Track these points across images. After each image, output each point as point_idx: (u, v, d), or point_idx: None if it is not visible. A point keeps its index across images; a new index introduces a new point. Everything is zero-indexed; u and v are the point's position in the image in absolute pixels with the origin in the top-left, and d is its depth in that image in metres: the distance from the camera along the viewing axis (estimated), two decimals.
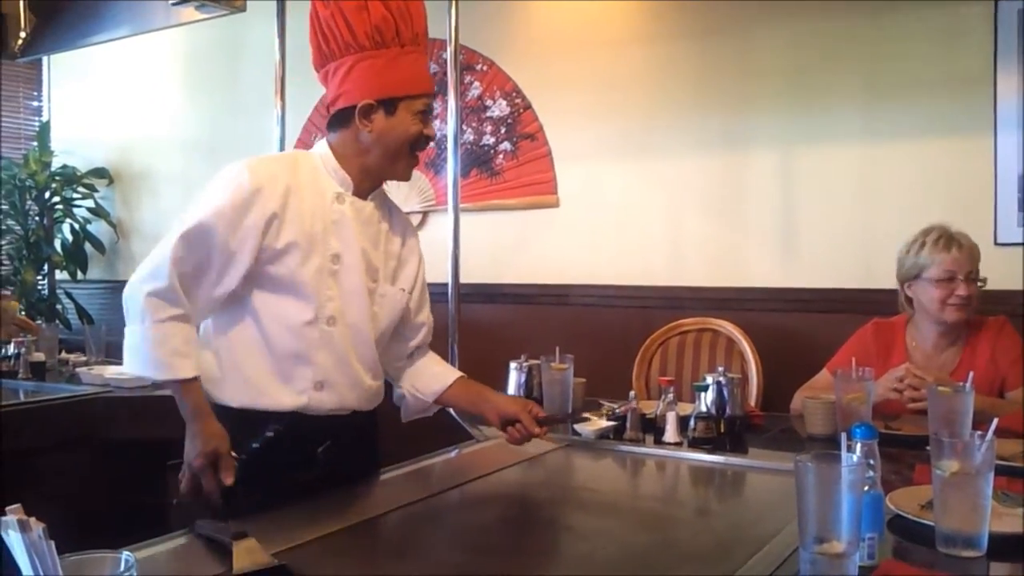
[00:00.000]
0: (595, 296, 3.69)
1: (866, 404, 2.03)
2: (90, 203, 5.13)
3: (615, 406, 2.31)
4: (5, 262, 5.16)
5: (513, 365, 2.58)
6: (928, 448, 1.38)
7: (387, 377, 1.94)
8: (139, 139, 5.09)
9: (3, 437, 2.53)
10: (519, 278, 3.89)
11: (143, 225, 5.13)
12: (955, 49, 3.00)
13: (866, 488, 1.22)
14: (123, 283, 1.72)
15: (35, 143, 5.28)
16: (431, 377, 1.98)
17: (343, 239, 1.75)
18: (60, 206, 5.16)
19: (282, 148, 3.86)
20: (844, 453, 1.21)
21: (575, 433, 2.21)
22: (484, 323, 3.79)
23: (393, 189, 4.25)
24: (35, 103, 5.55)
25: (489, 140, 3.96)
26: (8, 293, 4.80)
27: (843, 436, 1.27)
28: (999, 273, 2.74)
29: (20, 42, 4.79)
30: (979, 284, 2.38)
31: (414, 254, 1.93)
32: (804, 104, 3.27)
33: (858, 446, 1.32)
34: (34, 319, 4.30)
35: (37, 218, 5.15)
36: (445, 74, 3.70)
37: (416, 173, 4.13)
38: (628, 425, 2.17)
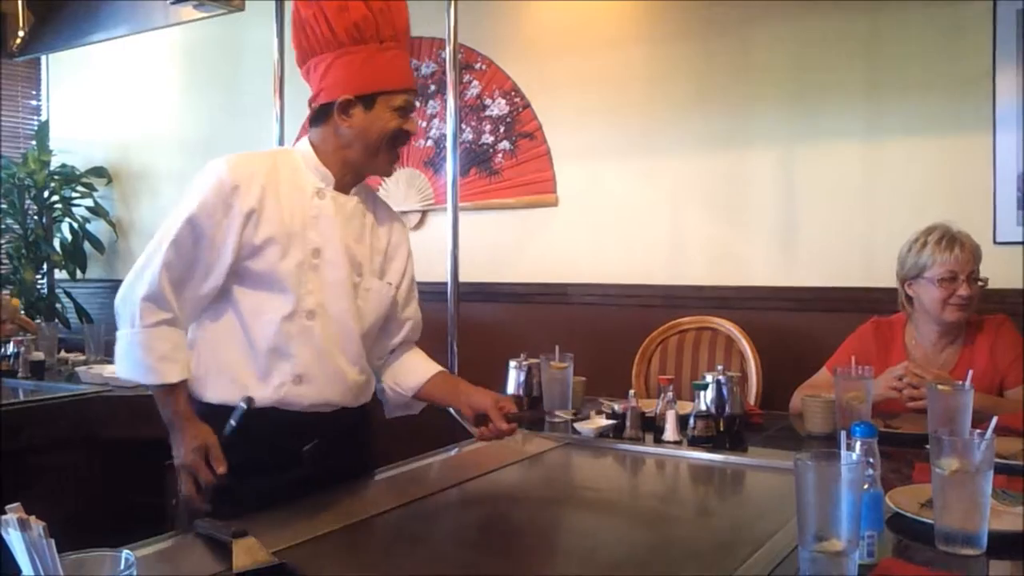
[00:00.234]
0: (594, 295, 3.70)
1: (865, 402, 2.03)
2: (89, 202, 5.13)
3: (615, 404, 2.31)
4: (4, 261, 5.16)
5: (512, 364, 2.58)
6: (927, 446, 1.38)
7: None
8: (138, 138, 5.09)
9: (3, 436, 2.53)
10: (518, 277, 3.89)
11: (142, 224, 5.12)
12: (954, 48, 3.00)
13: (866, 486, 1.22)
14: (122, 282, 1.74)
15: (34, 142, 5.27)
16: (410, 372, 1.96)
17: (323, 234, 1.76)
18: (59, 205, 5.15)
19: (280, 146, 3.87)
20: (843, 451, 1.21)
21: (575, 432, 2.21)
22: (483, 322, 3.79)
23: (392, 188, 4.28)
24: (34, 102, 5.55)
25: (488, 139, 3.96)
26: (7, 292, 4.80)
27: (842, 434, 1.27)
28: (998, 272, 2.74)
29: (18, 41, 4.79)
30: (980, 284, 2.38)
31: (402, 249, 1.93)
32: (804, 103, 3.27)
33: (858, 444, 1.32)
34: (33, 318, 4.30)
35: (36, 217, 5.14)
36: (444, 73, 3.70)
37: (415, 172, 4.15)
38: (628, 424, 2.17)
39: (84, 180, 5.15)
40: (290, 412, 1.74)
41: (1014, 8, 2.90)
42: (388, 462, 1.91)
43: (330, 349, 1.76)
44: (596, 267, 3.70)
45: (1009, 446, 1.77)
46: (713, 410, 2.15)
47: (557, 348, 2.41)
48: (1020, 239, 2.90)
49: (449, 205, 3.22)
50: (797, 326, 3.24)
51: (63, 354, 3.71)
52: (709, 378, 2.19)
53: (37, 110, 5.55)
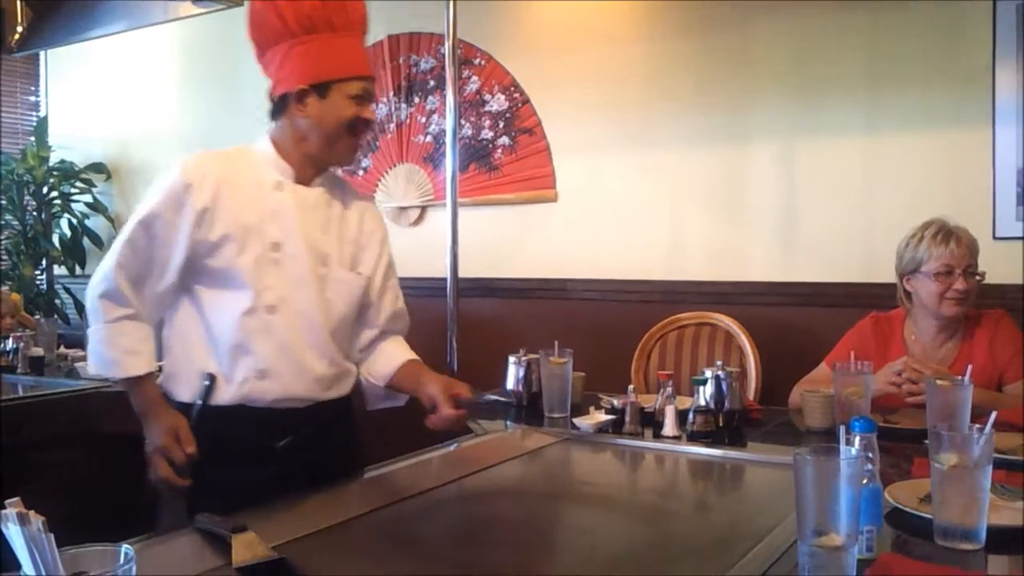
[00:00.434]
0: (594, 290, 3.69)
1: (865, 398, 2.03)
2: (88, 198, 5.13)
3: (614, 400, 2.31)
4: (4, 257, 5.16)
5: (512, 359, 2.58)
6: (926, 441, 1.38)
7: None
8: (137, 134, 5.08)
9: (2, 431, 2.53)
10: (518, 272, 3.89)
11: None
12: (954, 43, 3.00)
13: (865, 481, 1.22)
14: None
15: (33, 138, 5.27)
16: (383, 361, 1.93)
17: (283, 227, 1.76)
18: (58, 201, 5.15)
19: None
20: (843, 446, 1.21)
21: (574, 427, 2.21)
22: (483, 317, 3.79)
23: (392, 183, 4.28)
24: (32, 98, 5.54)
25: (487, 135, 3.96)
26: (7, 287, 4.81)
27: (841, 429, 1.27)
28: (997, 267, 2.74)
29: (17, 36, 4.77)
30: (977, 278, 2.38)
31: (375, 239, 1.90)
32: (803, 98, 3.26)
33: (857, 439, 1.32)
34: (32, 314, 4.30)
35: (35, 213, 5.14)
36: (443, 69, 3.70)
37: (414, 167, 4.15)
38: (627, 419, 2.17)
39: (83, 176, 5.15)
40: (257, 408, 1.74)
41: (1014, 3, 2.89)
42: (382, 457, 1.90)
43: (294, 343, 1.75)
44: (595, 262, 3.70)
45: (1008, 441, 1.78)
46: (712, 405, 2.15)
47: (556, 344, 2.41)
48: (1019, 234, 2.90)
49: (448, 201, 3.22)
50: (796, 321, 3.24)
51: (62, 350, 3.71)
52: (708, 373, 2.19)
53: (36, 106, 5.55)
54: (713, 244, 3.46)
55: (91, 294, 1.76)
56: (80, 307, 5.06)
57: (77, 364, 3.38)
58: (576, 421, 2.23)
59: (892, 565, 1.20)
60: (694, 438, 2.08)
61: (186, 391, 1.76)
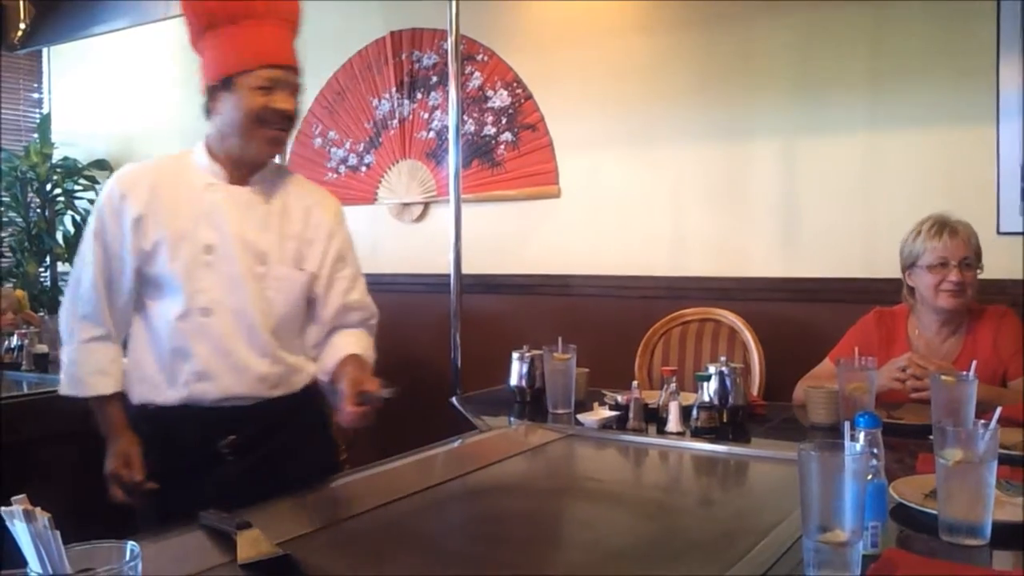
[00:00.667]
0: (597, 286, 3.69)
1: (869, 393, 2.03)
2: (91, 195, 5.13)
3: (618, 396, 2.31)
4: (7, 254, 5.17)
5: (515, 355, 2.58)
6: (931, 437, 1.38)
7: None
8: (140, 131, 5.08)
9: (7, 428, 2.53)
10: (521, 269, 3.88)
11: None
12: (958, 39, 2.99)
13: (869, 477, 1.22)
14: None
15: (36, 135, 5.28)
16: (327, 356, 1.88)
17: (216, 228, 1.76)
18: (62, 198, 5.16)
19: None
20: (847, 442, 1.21)
21: (578, 423, 2.21)
22: (486, 314, 3.80)
23: (394, 180, 4.28)
24: (36, 95, 5.55)
25: (490, 131, 3.95)
26: (11, 285, 4.82)
27: (846, 425, 1.27)
28: (1001, 262, 2.74)
29: (20, 33, 4.78)
30: (976, 271, 2.37)
31: (322, 233, 1.87)
32: (806, 94, 3.26)
33: (861, 435, 1.32)
34: (36, 311, 4.31)
35: (39, 210, 5.15)
36: (446, 64, 3.70)
37: (417, 164, 4.15)
38: (631, 415, 2.17)
39: (86, 173, 5.15)
40: (202, 408, 1.76)
41: None
42: (392, 453, 1.90)
43: (231, 344, 1.75)
44: (599, 258, 3.70)
45: (1013, 437, 1.77)
46: (716, 401, 2.15)
47: (560, 339, 2.41)
48: (1023, 230, 2.89)
49: (451, 197, 3.22)
50: (800, 317, 3.24)
51: None
52: (712, 369, 2.19)
53: (39, 103, 5.55)
54: (716, 240, 3.46)
55: (69, 315, 1.82)
56: None
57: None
58: (580, 417, 2.23)
59: (897, 561, 1.20)
60: (698, 434, 2.08)
61: (134, 395, 1.80)
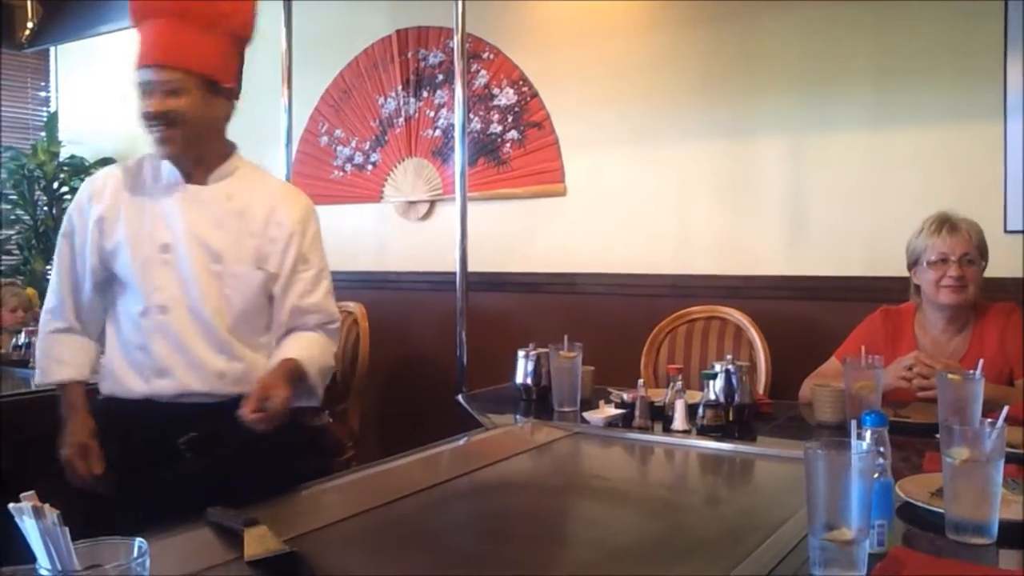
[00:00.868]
0: (603, 284, 3.69)
1: (875, 392, 2.03)
2: None
3: (624, 394, 2.31)
4: (15, 252, 5.19)
5: (521, 353, 2.58)
6: (938, 436, 1.38)
7: None
8: None
9: (15, 425, 2.54)
10: (527, 267, 3.89)
11: None
12: (964, 37, 2.98)
13: (876, 475, 1.22)
14: None
15: (43, 133, 5.30)
16: (274, 356, 1.87)
17: (172, 228, 1.80)
18: (68, 196, 5.17)
19: (288, 137, 3.88)
20: (854, 440, 1.21)
21: (584, 421, 2.21)
22: (492, 311, 3.80)
23: (400, 178, 4.28)
24: (43, 93, 5.56)
25: (496, 129, 3.95)
26: (19, 282, 4.83)
27: (852, 423, 1.27)
28: (1008, 261, 2.74)
29: (27, 32, 4.79)
30: (978, 268, 2.37)
31: (283, 232, 1.86)
32: (812, 91, 3.25)
33: (868, 433, 1.32)
34: None
35: (46, 208, 5.16)
36: (452, 63, 3.70)
37: (423, 162, 4.16)
38: (636, 413, 2.17)
39: (93, 171, 5.16)
40: (163, 404, 1.79)
41: None
42: (399, 450, 1.90)
43: (188, 340, 1.78)
44: (605, 256, 3.70)
45: (1020, 436, 1.77)
46: (722, 399, 2.15)
47: (566, 338, 2.41)
48: None
49: (457, 195, 3.22)
50: (806, 315, 3.23)
51: None
52: (718, 367, 2.19)
53: (46, 101, 5.57)
54: (722, 238, 3.45)
55: (42, 309, 1.95)
56: None
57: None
58: (586, 415, 2.23)
59: (903, 559, 1.20)
60: (704, 432, 2.08)
61: (105, 388, 1.87)
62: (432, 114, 4.14)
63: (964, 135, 3.00)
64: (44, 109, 5.53)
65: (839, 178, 3.22)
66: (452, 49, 3.44)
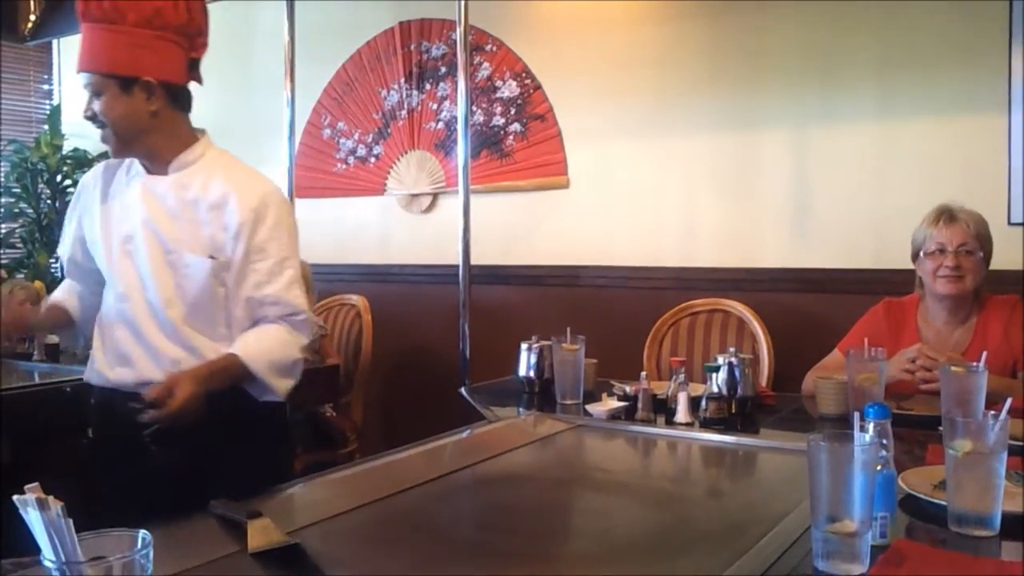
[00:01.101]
0: (606, 277, 3.69)
1: (878, 384, 2.03)
2: None
3: (626, 386, 2.31)
4: (18, 245, 5.19)
5: (524, 346, 2.58)
6: (941, 428, 1.38)
7: None
8: None
9: (19, 418, 2.55)
10: (529, 259, 3.88)
11: None
12: (969, 29, 2.97)
13: (879, 467, 1.22)
14: None
15: (46, 126, 5.29)
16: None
17: (133, 219, 1.83)
18: (72, 189, 5.17)
19: (291, 130, 3.88)
20: (857, 432, 1.21)
21: (586, 413, 2.22)
22: (495, 304, 3.80)
23: (403, 171, 4.27)
24: (45, 86, 5.56)
25: (499, 121, 3.95)
26: (23, 275, 4.84)
27: (855, 416, 1.27)
28: (1012, 253, 2.73)
29: (30, 25, 4.79)
30: (976, 258, 2.36)
31: (234, 222, 1.80)
32: (816, 83, 3.24)
33: (871, 425, 1.32)
34: None
35: (49, 201, 5.17)
36: (454, 55, 3.69)
37: (426, 155, 4.16)
38: (639, 406, 2.17)
39: (96, 164, 5.16)
40: (125, 394, 1.79)
41: None
42: (401, 443, 1.91)
43: (145, 328, 1.81)
44: (608, 249, 3.70)
45: (1023, 428, 1.77)
46: (725, 392, 2.15)
47: (568, 330, 2.41)
48: None
49: (460, 188, 3.22)
50: (809, 308, 3.23)
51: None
52: (721, 360, 2.19)
53: (49, 94, 5.57)
54: (725, 231, 3.45)
55: None
56: None
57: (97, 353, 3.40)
58: (588, 408, 2.23)
59: (906, 551, 1.20)
60: (707, 425, 2.08)
61: (86, 374, 1.94)
62: (435, 106, 4.14)
63: (968, 128, 2.99)
64: (47, 102, 5.53)
65: (843, 171, 3.21)
66: (455, 41, 3.44)
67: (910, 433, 1.88)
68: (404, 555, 1.34)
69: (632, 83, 3.61)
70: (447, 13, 3.87)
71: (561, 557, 1.38)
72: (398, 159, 4.24)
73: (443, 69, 4.11)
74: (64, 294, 2.06)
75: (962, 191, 2.60)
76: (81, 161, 5.15)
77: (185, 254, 1.80)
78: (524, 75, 3.88)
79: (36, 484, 0.90)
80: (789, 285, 3.30)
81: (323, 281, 4.11)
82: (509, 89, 3.92)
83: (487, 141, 3.96)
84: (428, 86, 4.16)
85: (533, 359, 2.55)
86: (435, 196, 4.16)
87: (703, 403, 2.11)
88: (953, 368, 1.90)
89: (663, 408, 2.19)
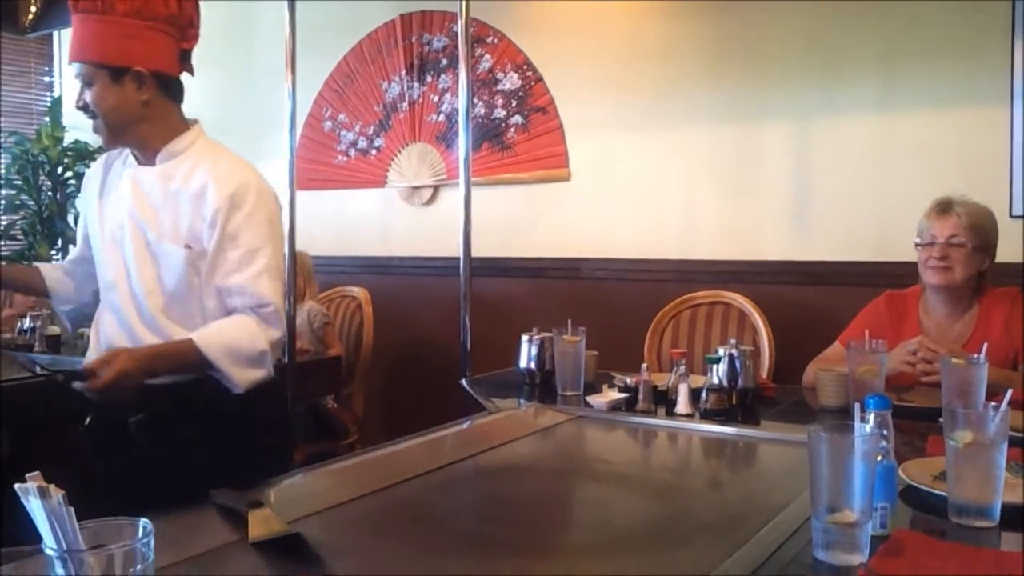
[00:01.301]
0: (607, 269, 3.69)
1: (879, 376, 2.03)
2: None
3: (627, 378, 2.31)
4: (20, 237, 5.19)
5: (525, 338, 2.58)
6: (941, 420, 1.38)
7: None
8: None
9: (20, 409, 2.55)
10: (531, 252, 3.88)
11: None
12: (971, 20, 2.97)
13: (879, 458, 1.22)
14: None
15: (47, 118, 5.29)
16: None
17: (121, 209, 1.84)
18: (73, 181, 5.17)
19: (292, 123, 3.86)
20: (857, 423, 1.21)
21: (587, 405, 2.22)
22: (495, 296, 3.80)
23: (404, 163, 4.26)
24: (46, 78, 5.56)
25: (500, 113, 3.94)
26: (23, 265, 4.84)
27: (856, 406, 1.27)
28: (1014, 246, 2.73)
29: (30, 17, 4.77)
30: (961, 247, 2.35)
31: (210, 210, 1.79)
32: (818, 75, 3.24)
33: (871, 416, 1.32)
34: None
35: (50, 193, 5.17)
36: (456, 47, 3.68)
37: (427, 147, 4.15)
38: (640, 397, 2.17)
39: (97, 156, 5.15)
40: None
41: None
42: (402, 433, 1.91)
43: (129, 318, 1.82)
44: (609, 241, 3.69)
45: (1023, 420, 1.76)
46: (725, 383, 2.15)
47: (569, 322, 2.41)
48: None
49: (461, 180, 3.21)
50: (810, 300, 3.23)
51: (78, 329, 3.73)
52: (722, 351, 2.19)
53: (50, 86, 5.56)
54: (727, 223, 3.45)
55: None
56: None
57: (89, 341, 3.41)
58: (589, 399, 2.23)
59: (906, 541, 1.20)
60: (707, 416, 2.08)
61: (85, 360, 1.88)
62: (436, 99, 4.13)
63: (970, 120, 2.99)
64: (48, 94, 5.53)
65: (844, 163, 3.21)
66: (456, 33, 3.43)
67: (911, 425, 1.88)
68: (404, 545, 1.34)
69: (634, 76, 3.61)
70: (448, 5, 3.87)
71: (561, 548, 1.38)
72: (399, 151, 4.24)
73: (444, 61, 4.10)
74: (53, 270, 2.09)
75: (963, 184, 2.59)
76: (82, 153, 5.15)
77: (165, 244, 1.80)
78: (525, 67, 3.87)
79: (37, 473, 0.90)
80: (790, 277, 3.30)
81: (324, 273, 4.11)
82: (510, 81, 3.91)
83: (488, 133, 3.96)
84: (429, 78, 4.15)
85: (534, 351, 2.55)
86: (436, 188, 4.16)
87: (704, 394, 2.10)
88: (954, 360, 1.90)
89: (664, 399, 2.19)
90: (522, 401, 2.36)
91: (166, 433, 1.76)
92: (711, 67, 3.44)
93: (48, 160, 5.09)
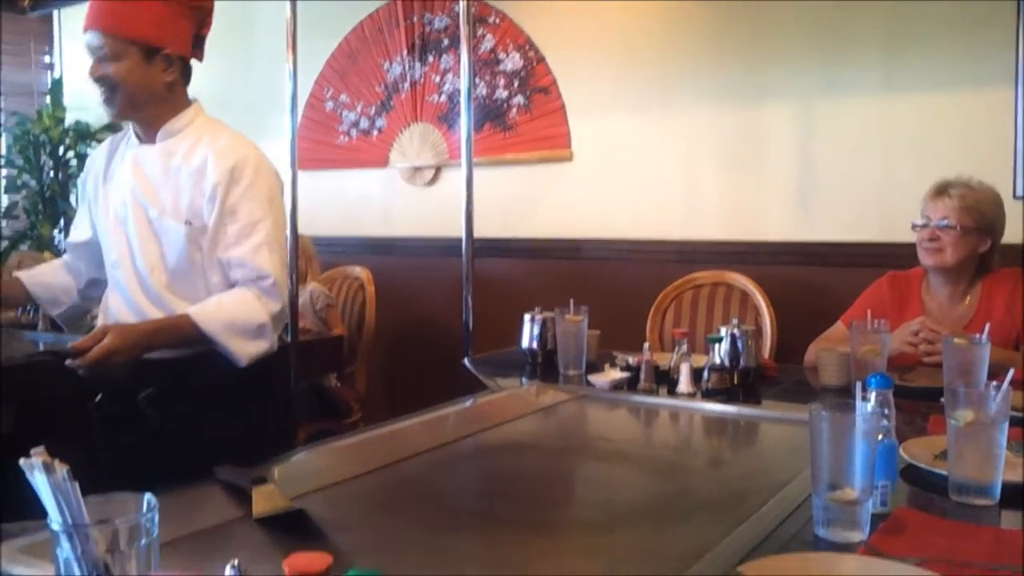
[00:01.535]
0: (609, 250, 3.69)
1: (881, 356, 2.03)
2: None
3: (629, 358, 2.31)
4: (22, 217, 5.19)
5: (527, 317, 2.58)
6: (942, 400, 1.38)
7: None
8: None
9: (25, 387, 2.57)
10: (533, 232, 3.88)
11: None
12: (976, 2, 2.94)
13: (880, 436, 1.22)
14: None
15: (48, 99, 5.28)
16: None
17: (123, 188, 1.86)
18: (74, 161, 5.17)
19: (293, 104, 3.85)
20: (858, 402, 1.22)
21: (589, 384, 2.22)
22: (498, 277, 3.80)
23: (407, 143, 4.25)
24: (47, 58, 5.53)
25: (502, 94, 3.93)
26: (26, 247, 4.85)
27: (858, 385, 1.27)
28: (1018, 227, 2.72)
29: None
30: (954, 230, 2.35)
31: (209, 185, 1.79)
32: (822, 56, 3.22)
33: (873, 395, 1.32)
34: None
35: (52, 173, 5.16)
36: (457, 27, 3.66)
37: (429, 127, 4.14)
38: (642, 376, 2.18)
39: (99, 136, 5.15)
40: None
41: None
42: (405, 411, 1.91)
43: (135, 295, 1.83)
44: (611, 222, 3.69)
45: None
46: (727, 363, 2.15)
47: (572, 302, 2.41)
48: None
49: (463, 160, 3.21)
50: (812, 281, 3.23)
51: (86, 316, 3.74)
52: (723, 331, 2.19)
53: (51, 67, 5.54)
54: (729, 204, 3.44)
55: None
56: None
57: (95, 321, 3.41)
58: (591, 378, 2.23)
59: (906, 519, 1.21)
60: (709, 395, 2.08)
61: None
62: (438, 79, 4.12)
63: (975, 100, 2.97)
64: (49, 74, 5.51)
65: (848, 144, 3.20)
66: (458, 13, 3.41)
67: (912, 405, 1.88)
68: (407, 521, 1.35)
69: (636, 56, 3.59)
70: None
71: (563, 525, 1.39)
72: (401, 132, 4.23)
73: (446, 41, 4.08)
74: (37, 275, 2.08)
75: (968, 165, 2.58)
76: (83, 133, 5.14)
77: (166, 220, 1.81)
78: (527, 47, 3.86)
79: (42, 448, 0.90)
80: (792, 258, 3.29)
81: (326, 253, 4.11)
82: (512, 62, 3.90)
83: (490, 114, 3.95)
84: (431, 58, 4.14)
85: (536, 330, 2.56)
86: (438, 169, 4.15)
87: (705, 374, 2.11)
88: (956, 340, 1.90)
89: (665, 379, 2.19)
90: (524, 380, 2.37)
91: (174, 408, 1.77)
92: (714, 47, 3.43)
93: (49, 140, 5.09)
